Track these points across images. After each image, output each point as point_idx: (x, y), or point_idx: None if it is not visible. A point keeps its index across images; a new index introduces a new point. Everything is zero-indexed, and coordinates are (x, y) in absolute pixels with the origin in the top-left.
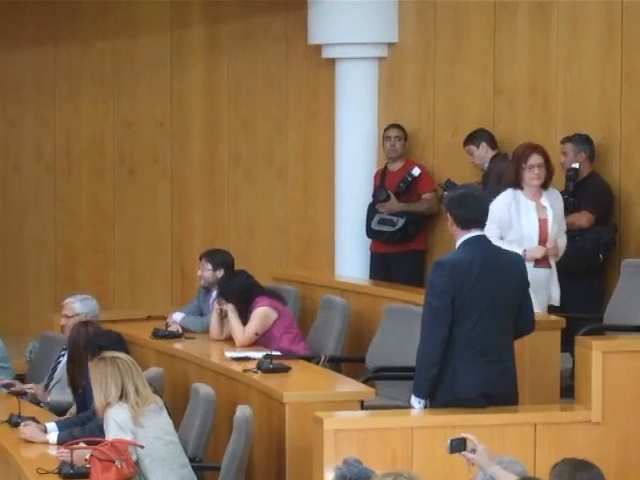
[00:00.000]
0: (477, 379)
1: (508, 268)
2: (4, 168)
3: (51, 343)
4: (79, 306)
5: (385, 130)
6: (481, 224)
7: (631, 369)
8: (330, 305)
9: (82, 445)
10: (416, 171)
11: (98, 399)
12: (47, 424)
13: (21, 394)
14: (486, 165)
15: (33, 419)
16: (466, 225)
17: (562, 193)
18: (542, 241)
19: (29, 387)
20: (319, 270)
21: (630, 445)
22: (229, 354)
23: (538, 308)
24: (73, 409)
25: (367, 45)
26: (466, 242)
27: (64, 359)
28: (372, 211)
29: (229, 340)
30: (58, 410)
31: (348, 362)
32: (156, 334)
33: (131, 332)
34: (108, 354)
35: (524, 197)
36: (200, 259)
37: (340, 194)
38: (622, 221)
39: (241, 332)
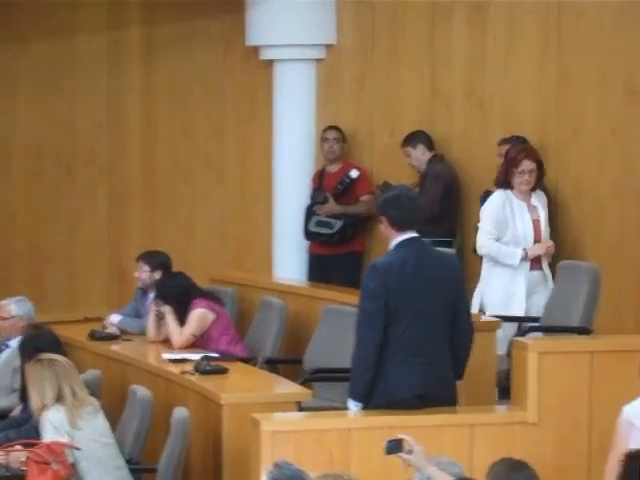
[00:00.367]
0: (411, 381)
1: (442, 269)
2: None
3: None
4: (14, 308)
5: (323, 132)
6: (414, 225)
7: (567, 370)
8: (268, 307)
9: (18, 447)
10: (354, 173)
11: (34, 401)
12: None
13: None
14: (423, 167)
15: None
16: (400, 227)
17: None
18: (537, 242)
19: None
20: (257, 272)
21: (566, 445)
22: (166, 356)
23: (534, 313)
24: (17, 410)
25: (305, 47)
26: (400, 244)
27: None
28: (310, 213)
29: (166, 342)
30: None
31: (285, 364)
32: (93, 336)
33: (68, 334)
34: (45, 356)
35: (515, 198)
36: (137, 261)
37: (278, 196)
38: (558, 223)
39: (178, 334)
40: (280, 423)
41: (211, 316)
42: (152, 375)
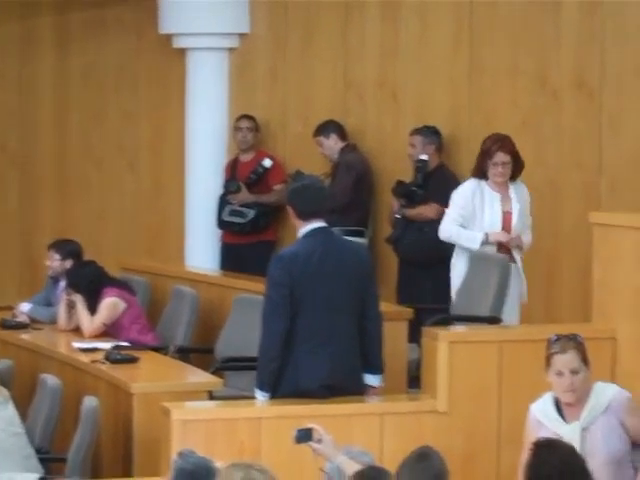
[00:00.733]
0: (318, 371)
1: (350, 259)
2: None
3: None
4: None
5: (236, 121)
6: (321, 215)
7: (476, 359)
8: (180, 296)
9: None
10: (267, 162)
11: None
12: None
13: None
14: (336, 156)
15: None
16: (306, 217)
17: (410, 184)
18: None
19: None
20: (169, 261)
21: (475, 434)
22: (77, 345)
23: (508, 306)
24: None
25: (218, 35)
26: (307, 234)
27: None
28: (223, 202)
29: (77, 331)
30: None
31: (197, 353)
32: (3, 325)
33: None
34: None
35: (489, 188)
36: (48, 249)
37: (191, 185)
38: None
39: (89, 323)
40: (191, 412)
41: (122, 305)
42: (62, 364)
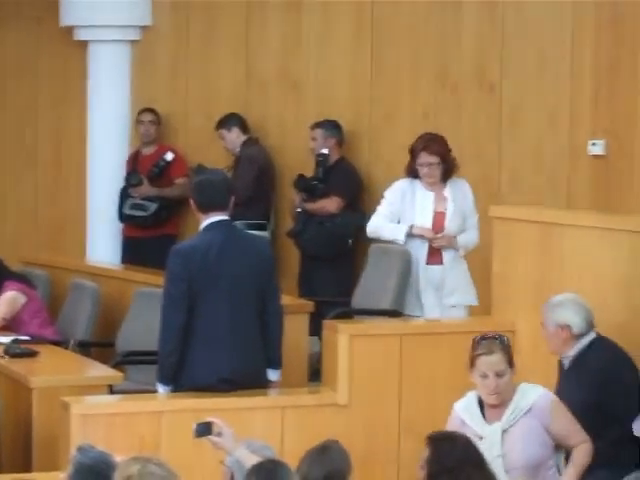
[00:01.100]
0: (217, 365)
1: (251, 253)
2: None
3: None
4: None
5: (138, 114)
6: (221, 208)
7: (377, 352)
8: (80, 289)
9: None
10: (169, 155)
11: None
12: None
13: None
14: (238, 150)
15: None
16: (206, 210)
17: (311, 178)
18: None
19: None
20: (71, 255)
21: (375, 427)
22: None
23: (436, 309)
24: None
25: (120, 28)
26: (207, 227)
27: None
28: (124, 195)
29: None
30: None
31: (98, 347)
32: None
33: None
34: None
35: (422, 187)
36: None
37: (92, 178)
38: (371, 206)
39: None
40: (90, 406)
41: (22, 299)
42: None
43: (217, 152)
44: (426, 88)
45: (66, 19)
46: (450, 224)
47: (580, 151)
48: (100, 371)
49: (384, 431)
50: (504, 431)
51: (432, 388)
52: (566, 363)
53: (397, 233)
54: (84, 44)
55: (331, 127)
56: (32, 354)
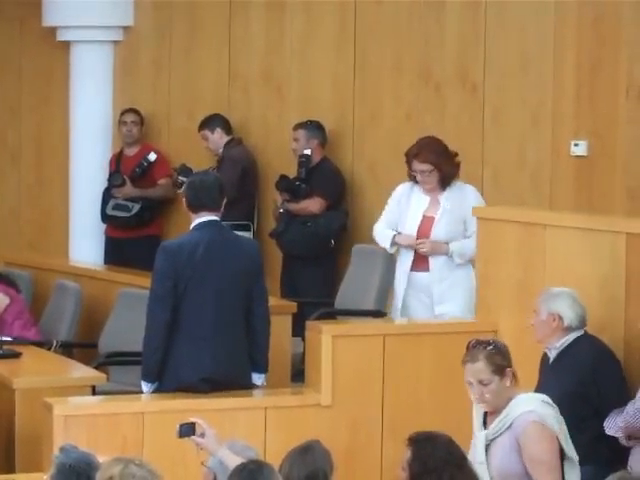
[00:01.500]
0: (199, 364)
1: (238, 254)
2: None
3: None
4: None
5: (121, 115)
6: (212, 209)
7: (360, 353)
8: (63, 290)
9: None
10: (152, 156)
11: None
12: None
13: None
14: (221, 150)
15: None
16: (195, 209)
17: (294, 179)
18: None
19: None
20: (53, 255)
21: (358, 427)
22: None
23: (425, 313)
24: None
25: (102, 28)
26: (196, 226)
27: None
28: (107, 196)
29: None
30: None
31: (80, 347)
32: None
33: None
34: None
35: (420, 192)
36: None
37: (75, 179)
38: (354, 207)
39: None
40: (73, 407)
41: (5, 300)
42: None
43: (200, 153)
44: (408, 88)
45: (49, 20)
46: (437, 230)
47: (563, 151)
48: (83, 372)
49: (367, 431)
50: (490, 440)
51: (415, 388)
52: (551, 356)
53: (385, 241)
54: (67, 45)
55: (313, 128)
56: (15, 355)
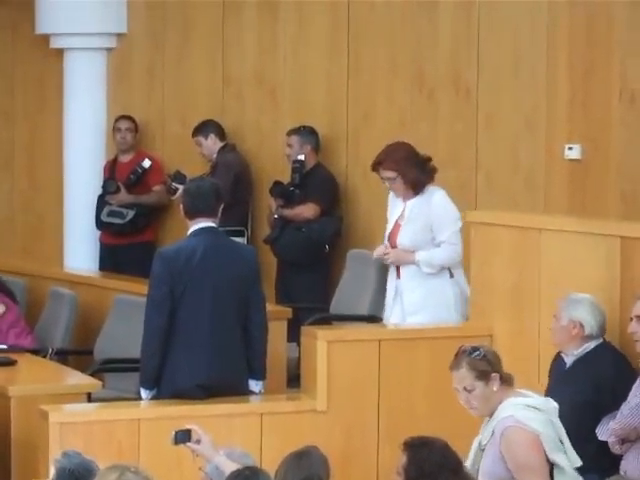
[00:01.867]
0: (195, 370)
1: (235, 261)
2: None
3: None
4: None
5: (115, 121)
6: (208, 215)
7: (355, 358)
8: (58, 297)
9: None
10: (146, 163)
11: None
12: None
13: None
14: (214, 156)
15: None
16: (191, 216)
17: (288, 185)
18: (392, 246)
19: None
20: (48, 262)
21: (354, 433)
22: None
23: (398, 319)
24: None
25: (95, 35)
26: (193, 233)
27: None
28: (101, 203)
29: None
30: None
31: (76, 355)
32: None
33: None
34: None
35: (400, 199)
36: None
37: (69, 185)
38: (348, 212)
39: None
40: (69, 414)
41: (1, 309)
42: None
43: (194, 159)
44: (402, 93)
45: (42, 27)
46: (401, 237)
47: (556, 155)
48: (78, 379)
49: (363, 437)
50: (484, 445)
51: (411, 393)
52: (568, 361)
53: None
54: (60, 52)
55: (307, 133)
56: (10, 363)
